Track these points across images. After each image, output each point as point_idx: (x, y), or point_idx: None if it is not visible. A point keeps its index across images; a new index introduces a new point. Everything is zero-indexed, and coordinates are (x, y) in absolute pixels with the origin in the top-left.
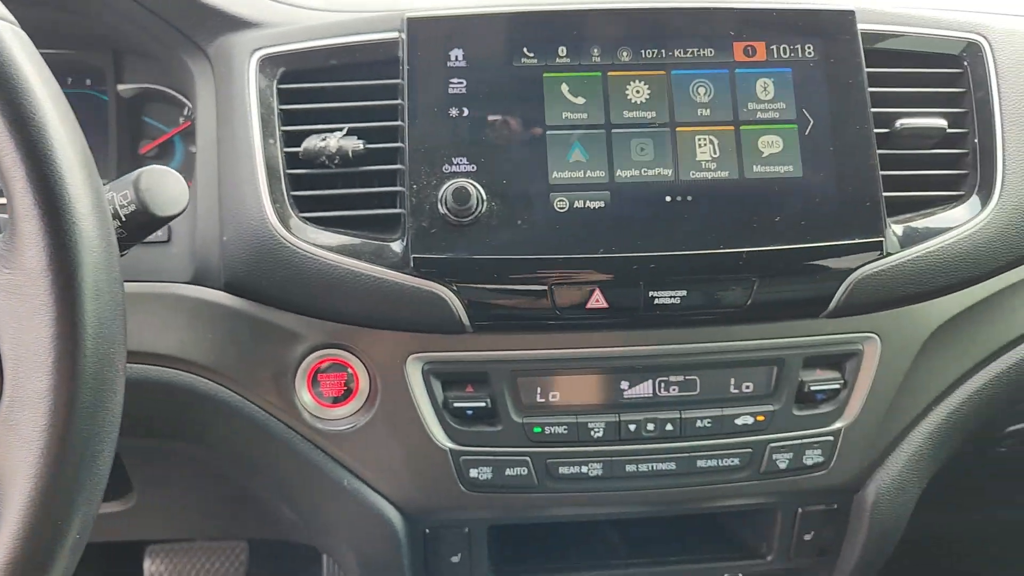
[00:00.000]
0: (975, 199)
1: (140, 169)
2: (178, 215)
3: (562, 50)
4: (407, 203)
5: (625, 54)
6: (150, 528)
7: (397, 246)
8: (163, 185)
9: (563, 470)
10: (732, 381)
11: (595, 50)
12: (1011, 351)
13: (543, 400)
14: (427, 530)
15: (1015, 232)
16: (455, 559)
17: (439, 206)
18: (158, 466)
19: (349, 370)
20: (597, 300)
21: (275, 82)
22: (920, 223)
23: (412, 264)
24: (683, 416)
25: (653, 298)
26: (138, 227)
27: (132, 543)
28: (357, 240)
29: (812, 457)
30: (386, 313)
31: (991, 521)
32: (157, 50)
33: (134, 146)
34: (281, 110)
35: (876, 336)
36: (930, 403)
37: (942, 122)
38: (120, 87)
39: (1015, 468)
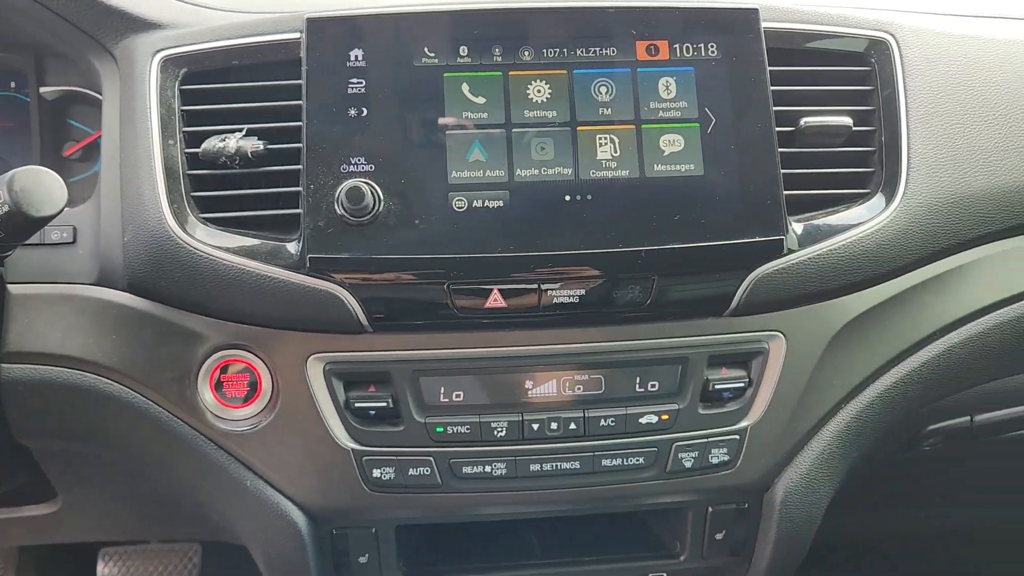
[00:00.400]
0: (879, 197)
1: (14, 170)
2: (56, 215)
3: (463, 50)
4: (304, 203)
5: (527, 54)
6: (80, 531)
7: (293, 247)
8: (38, 185)
9: (466, 469)
10: (637, 380)
11: (496, 50)
12: (921, 349)
13: (446, 400)
14: (334, 531)
15: (919, 230)
16: (363, 559)
17: (336, 206)
18: (79, 469)
19: (252, 370)
20: (496, 299)
21: (177, 83)
22: (822, 221)
23: (308, 264)
24: (587, 415)
25: (551, 297)
26: (16, 228)
27: (85, 547)
28: (254, 241)
29: (718, 456)
30: (285, 313)
31: (926, 522)
32: (69, 52)
33: (58, 149)
34: (183, 111)
35: (781, 334)
36: (839, 401)
37: (847, 120)
38: (42, 89)
39: (945, 468)
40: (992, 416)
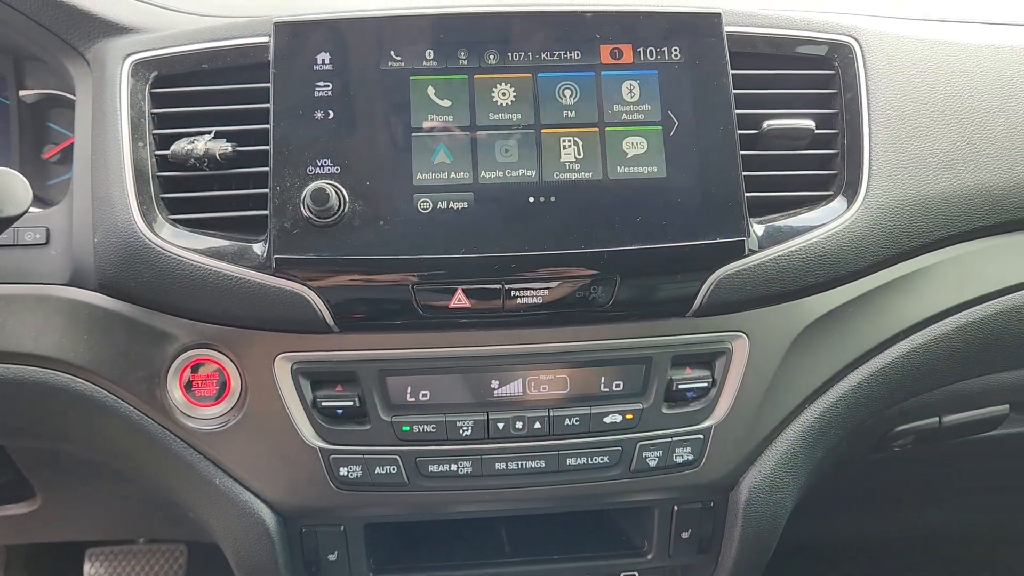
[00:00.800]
0: (841, 199)
1: None
2: (20, 215)
3: (429, 53)
4: (270, 204)
5: (492, 57)
6: (62, 530)
7: (260, 247)
8: (2, 186)
9: (432, 468)
10: (602, 380)
11: (462, 53)
12: (885, 350)
13: (412, 399)
14: (303, 529)
15: (880, 232)
16: (332, 557)
17: (301, 207)
18: (56, 468)
19: (221, 370)
20: (460, 299)
21: (147, 86)
22: (784, 223)
23: (274, 265)
24: (552, 415)
25: (516, 297)
26: None
27: (73, 548)
28: (222, 242)
29: (682, 455)
30: (252, 313)
31: (899, 524)
32: (44, 56)
33: (37, 151)
34: (153, 113)
35: (744, 335)
36: (802, 401)
37: (810, 123)
38: (22, 93)
39: (919, 469)
40: (960, 417)
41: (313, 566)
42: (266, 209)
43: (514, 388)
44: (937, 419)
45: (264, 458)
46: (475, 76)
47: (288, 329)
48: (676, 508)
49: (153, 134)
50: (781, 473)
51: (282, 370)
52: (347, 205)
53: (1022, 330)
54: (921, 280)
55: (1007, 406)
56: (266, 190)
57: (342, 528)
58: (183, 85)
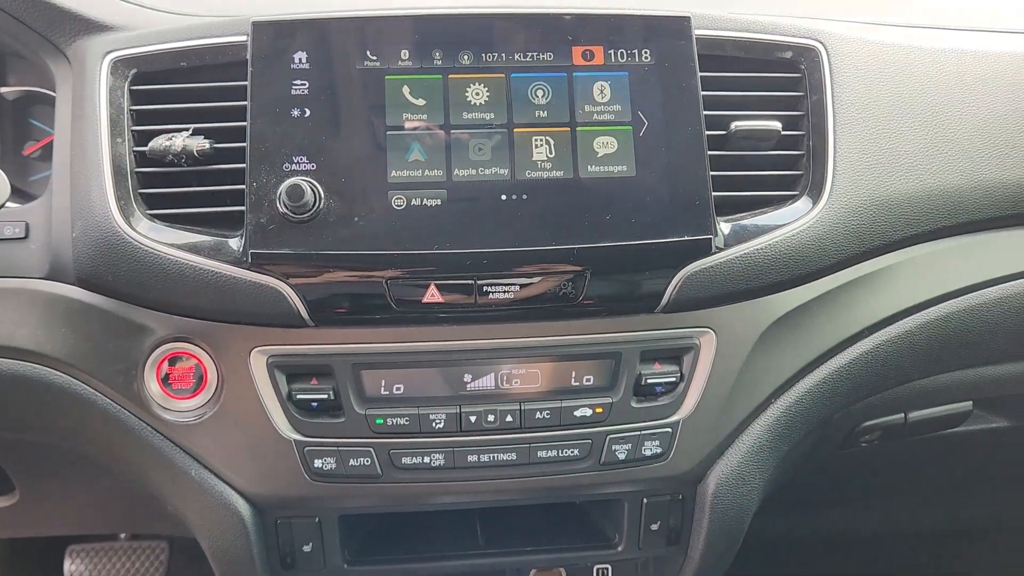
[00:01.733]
0: (806, 199)
1: None
2: None
3: (404, 53)
4: (247, 200)
5: (466, 57)
6: (42, 524)
7: (236, 242)
8: None
9: (405, 460)
10: (573, 374)
11: (437, 53)
12: (850, 347)
13: (386, 392)
14: (278, 520)
15: (843, 231)
16: (307, 548)
17: (277, 203)
18: (34, 461)
19: (198, 363)
20: (433, 295)
21: (127, 83)
22: (750, 221)
23: (249, 260)
24: (523, 408)
25: (488, 293)
26: None
27: (54, 544)
28: (199, 237)
29: (651, 448)
30: (229, 307)
31: (867, 520)
32: (26, 52)
33: (19, 147)
34: (132, 110)
35: (711, 331)
36: (768, 396)
37: (776, 124)
38: (3, 89)
39: (888, 466)
40: (925, 414)
41: (288, 557)
42: (243, 205)
43: (486, 382)
44: (903, 415)
45: (240, 450)
46: (449, 76)
47: (264, 323)
48: (645, 500)
49: (132, 130)
50: (748, 466)
51: (258, 363)
52: (322, 201)
53: (984, 328)
54: (884, 278)
55: (971, 403)
56: (243, 186)
57: (316, 520)
58: (162, 82)
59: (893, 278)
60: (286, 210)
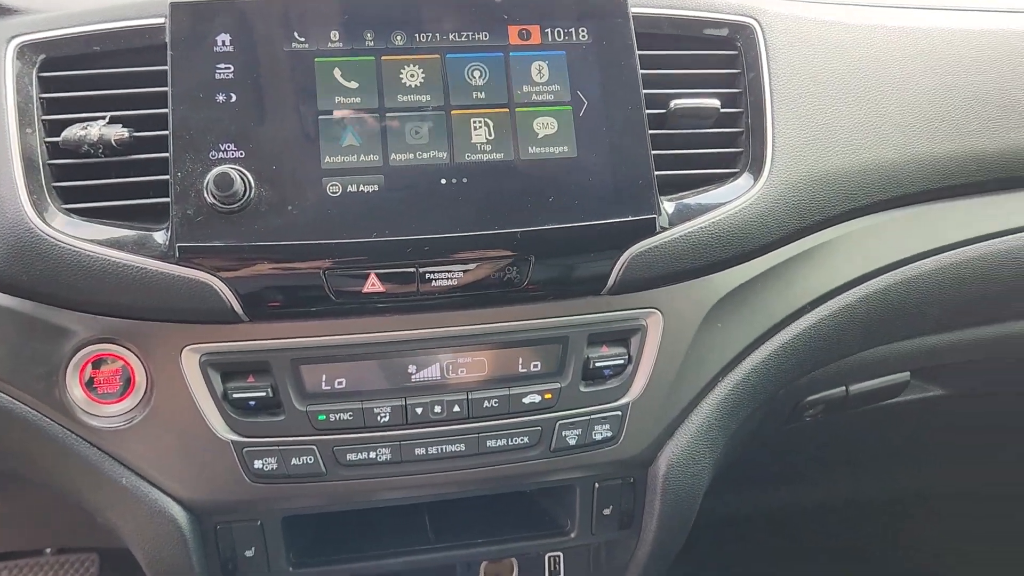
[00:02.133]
0: (747, 176)
1: None
2: None
3: (334, 34)
4: (172, 191)
5: (399, 38)
6: None
7: (162, 236)
8: None
9: (350, 456)
10: (520, 361)
11: (368, 34)
12: (793, 323)
13: (328, 387)
14: (218, 526)
15: (784, 207)
16: (249, 553)
17: (205, 193)
18: None
19: (125, 365)
20: (373, 284)
21: (35, 69)
22: (693, 200)
23: (177, 254)
24: (470, 397)
25: (430, 280)
26: None
27: None
28: (121, 231)
29: (601, 432)
30: (156, 305)
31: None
32: None
33: None
34: (41, 98)
35: (658, 311)
36: (716, 375)
37: (715, 102)
38: None
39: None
40: (865, 386)
41: (229, 563)
42: (167, 196)
43: (432, 372)
44: (844, 388)
45: (174, 454)
46: (382, 58)
47: (195, 320)
48: (597, 485)
49: (43, 120)
50: (698, 446)
51: (190, 362)
52: (253, 190)
53: (920, 299)
54: (824, 253)
55: (908, 373)
56: (167, 176)
57: (259, 523)
58: (74, 68)
59: (833, 253)
60: (214, 200)
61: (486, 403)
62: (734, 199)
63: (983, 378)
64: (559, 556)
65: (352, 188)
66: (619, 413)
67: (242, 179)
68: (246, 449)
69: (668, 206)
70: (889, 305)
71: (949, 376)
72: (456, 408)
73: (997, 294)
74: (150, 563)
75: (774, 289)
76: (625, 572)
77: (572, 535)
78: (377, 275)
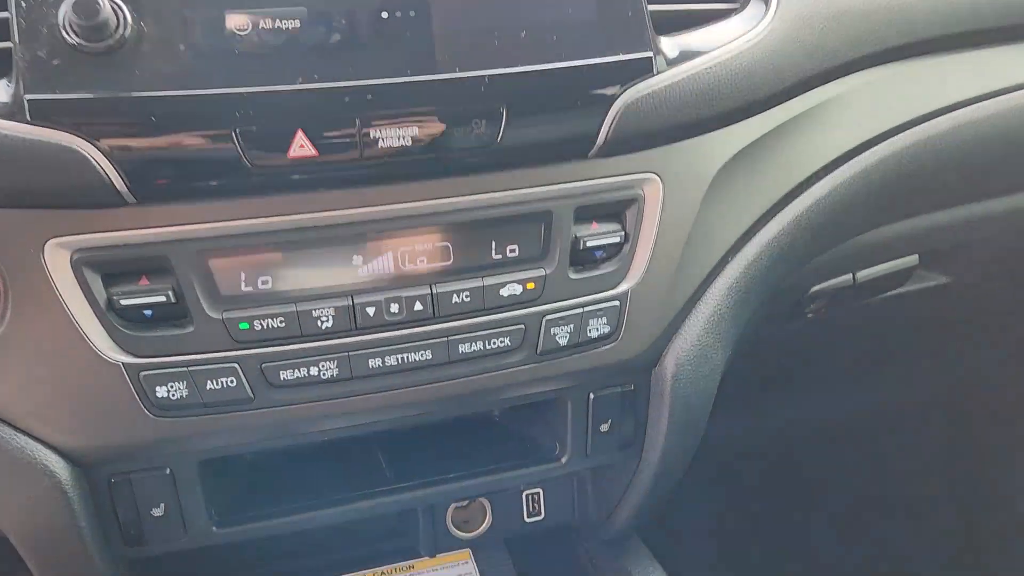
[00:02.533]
0: (753, 9)
1: None
2: None
3: None
4: (13, 27)
5: None
6: None
7: (5, 88)
8: None
9: (285, 375)
10: (493, 244)
11: None
12: (806, 191)
13: (249, 288)
14: (112, 479)
15: (794, 46)
16: (157, 512)
17: (61, 29)
18: None
19: None
20: (302, 146)
21: None
22: (694, 37)
23: (27, 110)
24: (436, 291)
25: (375, 140)
26: None
27: None
28: None
29: (597, 328)
30: (3, 183)
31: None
32: None
33: None
34: None
35: (657, 177)
36: (726, 253)
37: None
38: None
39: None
40: (873, 272)
41: (132, 528)
42: (7, 38)
43: (384, 263)
44: (851, 276)
45: (43, 387)
46: None
47: (61, 204)
48: (592, 396)
49: None
50: (708, 340)
51: (58, 261)
52: (128, 25)
53: (936, 163)
54: (835, 110)
55: (916, 256)
56: (5, 13)
57: (167, 471)
58: None
59: (846, 108)
60: (76, 37)
61: (455, 298)
62: (740, 36)
63: (989, 267)
64: (539, 493)
65: (267, 24)
66: (617, 303)
67: (113, 8)
68: (144, 373)
69: (666, 44)
70: (903, 170)
71: (956, 260)
72: (418, 306)
73: (1014, 155)
74: (23, 537)
75: (783, 151)
76: (619, 505)
77: (564, 460)
78: (306, 133)
